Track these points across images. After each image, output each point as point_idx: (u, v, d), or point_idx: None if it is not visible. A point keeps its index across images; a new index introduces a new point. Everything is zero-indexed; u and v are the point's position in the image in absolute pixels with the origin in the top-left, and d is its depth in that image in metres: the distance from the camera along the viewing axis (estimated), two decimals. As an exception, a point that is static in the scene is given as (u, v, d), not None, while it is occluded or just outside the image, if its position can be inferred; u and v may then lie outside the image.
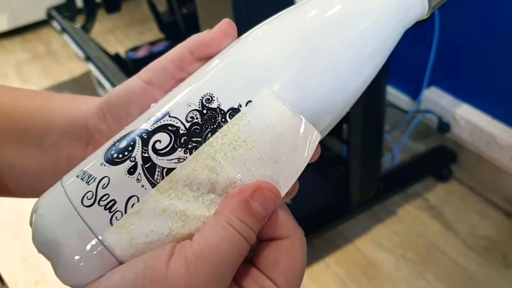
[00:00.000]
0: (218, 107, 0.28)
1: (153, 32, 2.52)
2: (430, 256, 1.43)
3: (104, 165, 0.28)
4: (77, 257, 0.27)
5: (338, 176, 1.60)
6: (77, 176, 0.28)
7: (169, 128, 0.27)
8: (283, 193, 0.28)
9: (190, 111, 0.28)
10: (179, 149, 0.27)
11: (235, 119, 0.27)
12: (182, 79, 0.31)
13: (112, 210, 0.27)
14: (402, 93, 1.79)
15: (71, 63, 2.45)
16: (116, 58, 1.92)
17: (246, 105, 0.27)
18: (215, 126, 0.27)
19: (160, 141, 0.27)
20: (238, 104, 0.28)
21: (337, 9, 0.29)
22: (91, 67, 1.75)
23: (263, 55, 0.29)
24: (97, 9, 2.11)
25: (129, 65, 1.94)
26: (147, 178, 0.27)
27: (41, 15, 2.53)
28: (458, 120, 1.58)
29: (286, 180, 0.28)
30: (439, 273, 1.38)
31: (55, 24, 2.02)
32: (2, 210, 1.73)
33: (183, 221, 0.27)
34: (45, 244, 0.28)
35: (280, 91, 0.28)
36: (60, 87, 2.31)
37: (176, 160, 0.27)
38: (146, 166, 0.27)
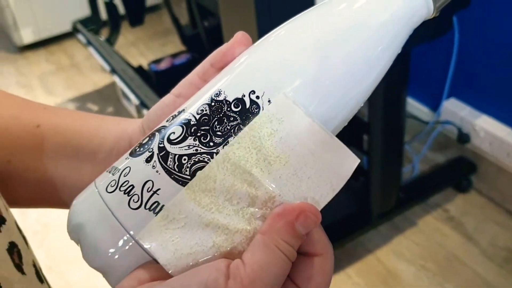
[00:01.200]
0: (224, 99, 0.30)
1: (174, 44, 2.56)
2: (450, 266, 1.44)
3: (128, 158, 0.31)
4: (98, 240, 0.29)
5: (358, 186, 1.61)
6: (107, 171, 0.32)
7: (183, 121, 0.30)
8: (319, 209, 0.30)
9: (201, 105, 0.30)
10: (189, 137, 0.29)
11: (268, 135, 0.29)
12: None
13: (130, 194, 0.29)
14: (422, 104, 1.80)
15: (95, 75, 2.50)
16: (139, 70, 1.96)
17: (249, 94, 0.30)
18: (221, 115, 0.30)
19: (174, 133, 0.30)
20: (242, 94, 0.30)
21: (350, 12, 0.31)
22: (116, 79, 1.79)
23: (268, 56, 0.31)
24: (121, 22, 2.15)
25: (151, 77, 1.98)
26: (161, 164, 0.29)
27: (65, 28, 2.59)
28: (478, 131, 1.59)
29: (321, 197, 0.30)
30: (459, 283, 1.39)
31: (80, 37, 2.07)
32: (28, 220, 1.77)
33: (226, 234, 0.29)
34: (73, 230, 0.31)
35: (293, 92, 0.30)
36: (83, 98, 2.35)
37: (186, 147, 0.29)
38: (161, 154, 0.30)
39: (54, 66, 2.64)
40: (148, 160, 0.30)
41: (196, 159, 0.29)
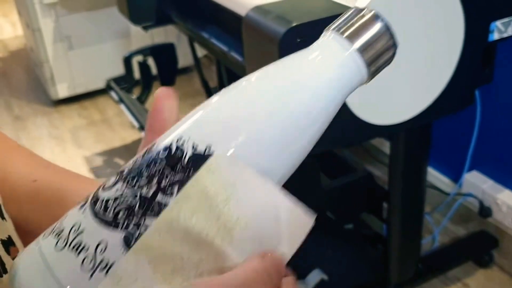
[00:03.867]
0: (156, 148, 0.32)
1: (202, 105, 2.63)
2: None
3: (71, 209, 0.33)
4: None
5: (377, 255, 1.60)
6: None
7: (120, 171, 0.32)
8: None
9: (136, 157, 0.33)
10: (119, 182, 0.31)
11: (224, 200, 0.30)
12: None
13: (59, 235, 0.31)
14: (443, 175, 1.81)
15: (124, 131, 2.57)
16: (167, 128, 2.02)
17: (176, 141, 0.31)
18: (150, 161, 0.31)
19: (109, 180, 0.32)
20: (170, 142, 0.31)
21: (284, 82, 0.32)
22: (143, 135, 1.84)
23: (199, 112, 0.33)
24: (153, 82, 2.23)
25: (178, 136, 2.03)
26: (90, 208, 0.31)
27: (99, 85, 2.69)
28: (500, 205, 1.58)
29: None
30: None
31: (112, 94, 2.15)
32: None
33: None
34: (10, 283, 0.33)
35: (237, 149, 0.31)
36: (111, 153, 2.41)
37: (114, 191, 0.31)
38: (93, 200, 0.31)
39: (85, 120, 2.72)
40: (81, 207, 0.32)
41: (121, 201, 0.30)
